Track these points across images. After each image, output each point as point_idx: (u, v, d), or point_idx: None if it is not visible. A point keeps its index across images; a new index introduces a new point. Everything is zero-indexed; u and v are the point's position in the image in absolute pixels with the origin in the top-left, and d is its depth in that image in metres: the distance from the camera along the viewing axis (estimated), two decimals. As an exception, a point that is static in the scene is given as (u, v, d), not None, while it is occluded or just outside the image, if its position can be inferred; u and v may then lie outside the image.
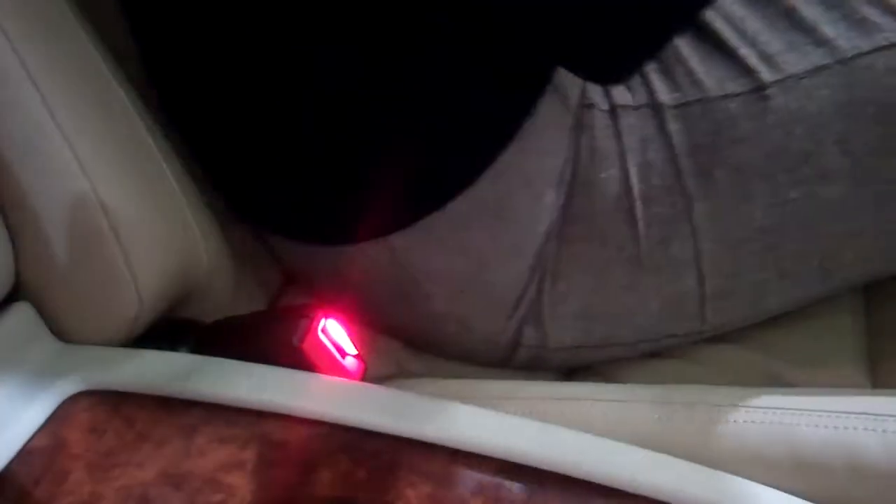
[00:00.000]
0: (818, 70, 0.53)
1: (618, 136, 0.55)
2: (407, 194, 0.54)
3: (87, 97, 0.51)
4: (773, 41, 0.55)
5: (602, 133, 0.55)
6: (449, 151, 0.53)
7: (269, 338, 0.52)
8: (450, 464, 0.45)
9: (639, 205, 0.55)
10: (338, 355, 0.52)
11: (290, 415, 0.48)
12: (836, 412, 0.51)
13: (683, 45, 0.56)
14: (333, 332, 0.53)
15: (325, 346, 0.51)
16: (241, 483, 0.45)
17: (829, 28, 0.54)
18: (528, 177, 0.55)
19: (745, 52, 0.55)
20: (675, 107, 0.55)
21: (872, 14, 0.54)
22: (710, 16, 0.57)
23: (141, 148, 0.54)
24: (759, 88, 0.54)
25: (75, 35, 0.52)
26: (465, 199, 0.54)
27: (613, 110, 0.56)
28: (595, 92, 0.56)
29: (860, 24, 0.54)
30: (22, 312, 0.52)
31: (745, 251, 0.55)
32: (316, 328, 0.51)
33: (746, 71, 0.54)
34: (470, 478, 0.45)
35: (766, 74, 0.54)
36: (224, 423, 0.48)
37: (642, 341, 0.59)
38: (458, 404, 0.47)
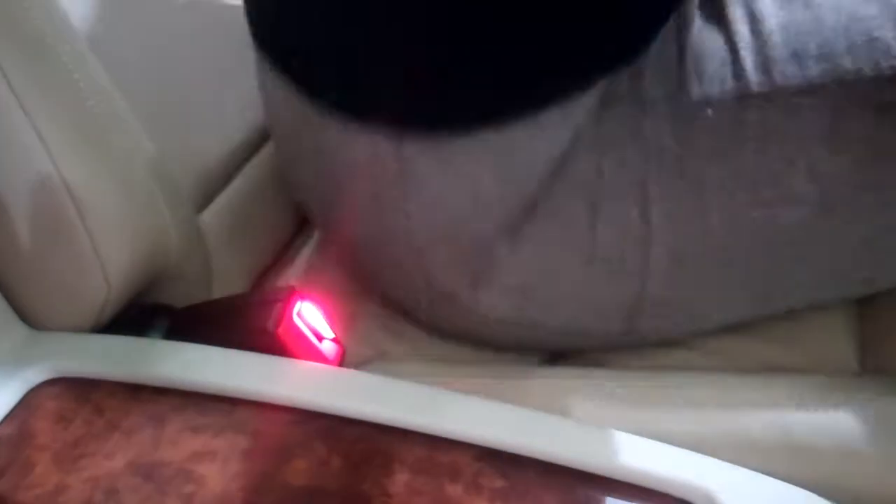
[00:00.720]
0: (811, 89, 0.50)
1: (599, 123, 0.53)
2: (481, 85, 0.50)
3: (52, 76, 0.50)
4: (781, 46, 0.52)
5: (589, 119, 0.53)
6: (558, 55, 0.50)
7: (243, 323, 0.51)
8: (428, 451, 0.44)
9: (605, 198, 0.53)
10: (314, 339, 0.51)
11: (264, 402, 0.47)
12: (826, 395, 0.50)
13: (689, 34, 0.54)
14: (309, 315, 0.51)
15: (300, 331, 0.50)
16: (213, 473, 0.44)
17: (841, 42, 0.50)
18: (546, 130, 0.52)
19: (745, 54, 0.52)
20: (656, 102, 0.52)
21: (890, 34, 0.50)
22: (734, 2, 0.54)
23: (111, 129, 0.52)
24: (743, 97, 0.51)
25: (44, 13, 0.50)
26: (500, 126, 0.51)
27: (605, 97, 0.54)
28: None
29: (870, 42, 0.50)
30: (-12, 298, 0.51)
31: (693, 264, 0.53)
32: (291, 312, 0.50)
33: (737, 76, 0.52)
34: (449, 465, 0.44)
35: (754, 84, 0.51)
36: (196, 411, 0.47)
37: (566, 334, 0.56)
38: (436, 390, 0.46)
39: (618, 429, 0.44)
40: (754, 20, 0.53)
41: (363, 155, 0.53)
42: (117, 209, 0.51)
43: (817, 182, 0.50)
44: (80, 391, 0.48)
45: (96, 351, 0.50)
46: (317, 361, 0.51)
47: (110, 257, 0.51)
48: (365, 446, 0.44)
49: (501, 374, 0.56)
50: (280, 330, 0.49)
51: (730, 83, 0.51)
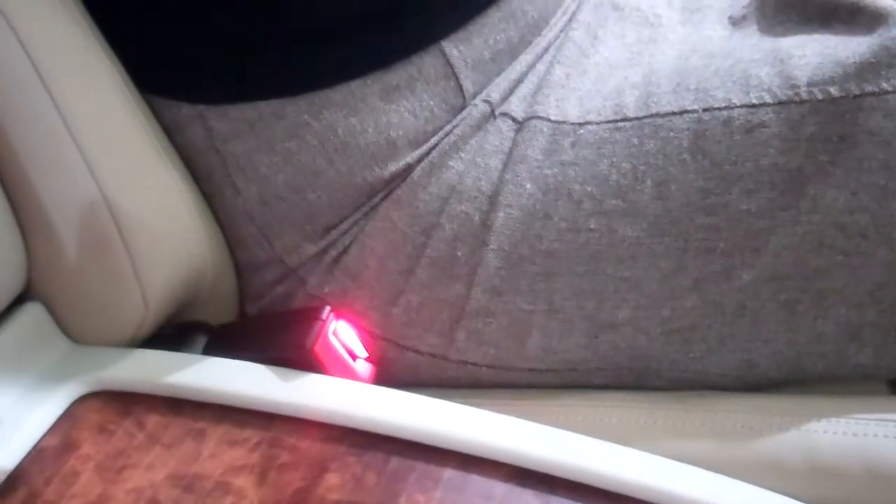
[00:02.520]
0: (682, 114, 0.52)
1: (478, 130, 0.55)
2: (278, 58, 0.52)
3: (98, 101, 0.52)
4: (665, 83, 0.54)
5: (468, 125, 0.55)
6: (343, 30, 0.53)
7: (280, 340, 0.52)
8: (461, 468, 0.45)
9: (452, 200, 0.54)
10: (348, 358, 0.52)
11: (301, 417, 0.48)
12: (853, 417, 0.50)
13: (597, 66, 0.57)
14: (344, 334, 0.52)
15: (336, 349, 0.51)
16: (251, 486, 0.45)
17: (719, 79, 0.53)
18: (390, 120, 0.54)
19: (629, 91, 0.54)
20: (524, 120, 0.55)
21: (763, 72, 0.52)
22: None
23: (150, 152, 0.54)
24: (620, 120, 0.53)
25: (88, 40, 0.52)
26: (320, 101, 0.53)
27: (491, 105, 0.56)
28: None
29: (746, 79, 0.52)
30: (33, 312, 0.53)
31: (521, 270, 0.53)
32: (327, 330, 0.51)
33: (619, 107, 0.54)
34: (481, 483, 0.45)
35: (631, 111, 0.53)
36: (234, 425, 0.48)
37: (387, 339, 0.56)
38: (469, 409, 0.47)
39: (649, 451, 0.45)
40: (651, 71, 0.56)
41: (185, 133, 0.55)
42: (157, 231, 0.53)
43: (662, 200, 0.51)
44: (122, 404, 0.50)
45: (137, 365, 0.52)
46: (350, 378, 0.52)
47: (149, 278, 0.52)
48: (399, 463, 0.45)
49: (527, 394, 0.56)
50: (317, 347, 0.50)
51: (613, 111, 0.54)
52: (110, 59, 0.53)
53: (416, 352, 0.56)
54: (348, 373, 0.51)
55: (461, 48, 0.56)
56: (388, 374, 0.56)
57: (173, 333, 0.56)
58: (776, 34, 0.56)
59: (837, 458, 0.49)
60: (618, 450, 0.46)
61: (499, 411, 0.47)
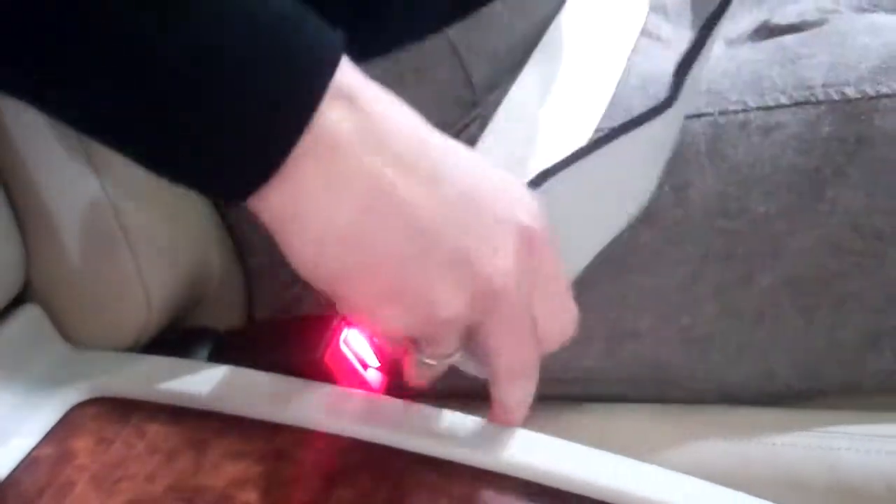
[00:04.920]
0: (699, 117, 0.51)
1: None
2: None
3: None
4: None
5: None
6: None
7: (288, 347, 0.50)
8: (473, 484, 0.43)
9: None
10: (360, 367, 0.50)
11: (309, 429, 0.46)
12: (880, 436, 0.49)
13: None
14: (355, 343, 0.50)
15: (347, 358, 0.49)
16: (255, 500, 0.43)
17: (729, 81, 0.52)
18: None
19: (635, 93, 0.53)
20: None
21: (774, 72, 0.51)
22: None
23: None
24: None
25: None
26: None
27: None
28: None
29: (757, 80, 0.51)
30: (31, 314, 0.51)
31: None
32: (338, 339, 0.49)
33: (627, 112, 0.52)
34: (494, 499, 0.43)
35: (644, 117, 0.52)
36: (239, 436, 0.46)
37: None
38: (482, 421, 0.45)
39: (665, 467, 0.43)
40: (652, 73, 0.55)
41: None
42: (163, 233, 0.51)
43: (682, 206, 0.50)
44: (121, 412, 0.48)
45: (137, 371, 0.50)
46: (361, 389, 0.50)
47: (153, 281, 0.51)
48: (410, 478, 0.44)
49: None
50: (327, 357, 0.48)
51: (619, 118, 0.51)
52: None
53: None
54: (359, 383, 0.49)
55: (470, 38, 0.54)
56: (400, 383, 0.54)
57: (177, 339, 0.54)
58: (777, 39, 0.56)
59: (861, 476, 0.48)
60: (636, 466, 0.44)
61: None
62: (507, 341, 0.40)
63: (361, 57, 0.50)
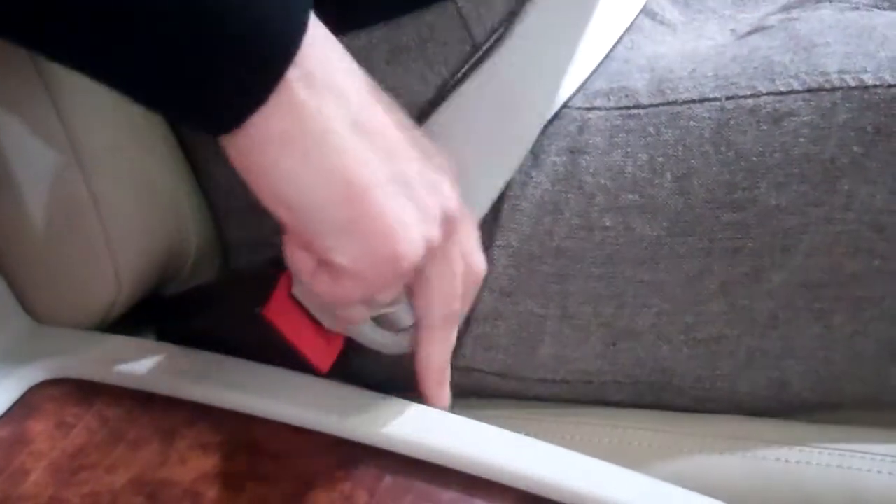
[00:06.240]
0: (702, 102, 0.49)
1: None
2: None
3: None
4: (679, 68, 0.51)
5: None
6: None
7: (230, 305, 0.47)
8: (464, 492, 0.40)
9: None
10: (311, 324, 0.44)
11: (285, 422, 0.43)
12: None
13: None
14: (306, 299, 0.44)
15: (296, 312, 0.43)
16: (225, 498, 0.40)
17: (738, 66, 0.49)
18: (396, 86, 0.48)
19: (638, 75, 0.51)
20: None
21: (787, 58, 0.49)
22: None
23: (132, 115, 0.49)
24: (632, 107, 0.49)
25: None
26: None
27: None
28: None
29: (769, 65, 0.49)
30: (-8, 286, 0.47)
31: (531, 270, 0.49)
32: (283, 291, 0.43)
33: (629, 92, 0.50)
34: (483, 507, 0.40)
35: (644, 97, 0.50)
36: (210, 427, 0.43)
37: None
38: (476, 424, 0.42)
39: (675, 481, 0.40)
40: (656, 55, 0.53)
41: None
42: (135, 202, 0.48)
43: (683, 195, 0.48)
44: (84, 395, 0.45)
45: (104, 352, 0.46)
46: (317, 349, 0.45)
47: (124, 256, 0.47)
48: (394, 481, 0.40)
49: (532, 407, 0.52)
50: (269, 311, 0.43)
51: (624, 97, 0.50)
52: None
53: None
54: (313, 340, 0.44)
55: (479, 6, 0.50)
56: (388, 378, 0.51)
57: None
58: (788, 26, 0.53)
59: (886, 501, 0.45)
60: (639, 479, 0.41)
61: (506, 426, 0.42)
62: (443, 284, 0.42)
63: (367, 21, 0.48)
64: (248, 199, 0.50)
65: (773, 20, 0.56)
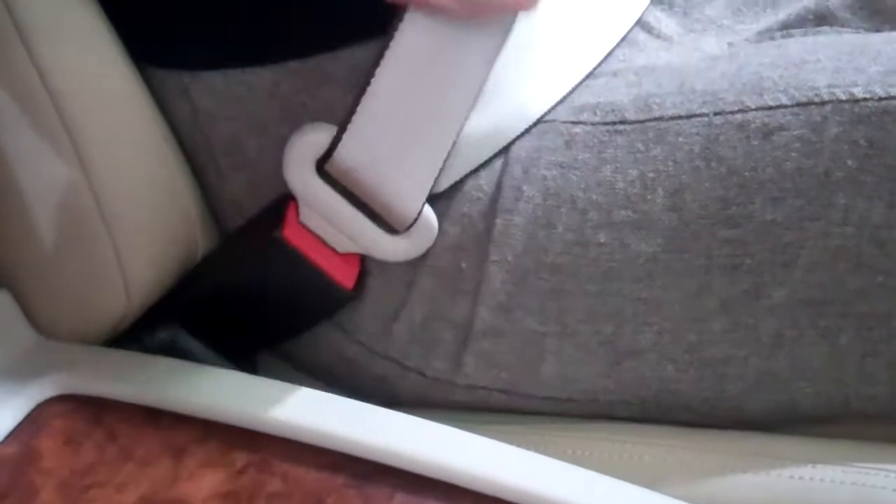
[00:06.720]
0: (689, 118, 0.48)
1: None
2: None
3: (87, 73, 0.47)
4: (667, 83, 0.50)
5: None
6: None
7: (243, 250, 0.49)
8: (475, 509, 0.40)
9: (454, 199, 0.49)
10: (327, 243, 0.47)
11: (295, 439, 0.42)
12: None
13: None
14: (314, 224, 0.48)
15: (309, 235, 0.46)
16: (235, 517, 0.39)
17: (727, 82, 0.49)
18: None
19: (625, 90, 0.51)
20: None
21: (776, 74, 0.49)
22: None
23: (140, 129, 0.49)
24: (618, 122, 0.49)
25: (81, 11, 0.47)
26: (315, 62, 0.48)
27: None
28: None
29: (757, 81, 0.49)
30: (-1, 300, 0.47)
31: (528, 285, 0.49)
32: (294, 217, 0.46)
33: (615, 107, 0.50)
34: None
35: (630, 113, 0.49)
36: (219, 443, 0.42)
37: (389, 358, 0.52)
38: (489, 441, 0.42)
39: (687, 500, 0.40)
40: (644, 69, 0.53)
41: (171, 111, 0.50)
42: (144, 215, 0.48)
43: (676, 211, 0.47)
44: (93, 411, 0.44)
45: (113, 367, 0.46)
46: (339, 267, 0.48)
47: (133, 267, 0.47)
48: (405, 500, 0.40)
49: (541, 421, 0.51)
50: (287, 232, 0.45)
51: (609, 112, 0.50)
52: (103, 26, 0.48)
53: (421, 374, 0.51)
54: (336, 260, 0.47)
55: None
56: (390, 393, 0.51)
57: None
58: (781, 44, 0.53)
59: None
60: (649, 496, 0.41)
61: (516, 441, 0.42)
62: None
63: (370, 33, 0.47)
64: (244, 217, 0.51)
65: (767, 38, 0.56)
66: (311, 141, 0.47)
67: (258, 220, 0.50)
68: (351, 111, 0.47)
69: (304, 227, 0.48)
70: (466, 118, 0.48)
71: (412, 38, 0.46)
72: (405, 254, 0.49)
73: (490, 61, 0.48)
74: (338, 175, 0.48)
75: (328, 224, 0.48)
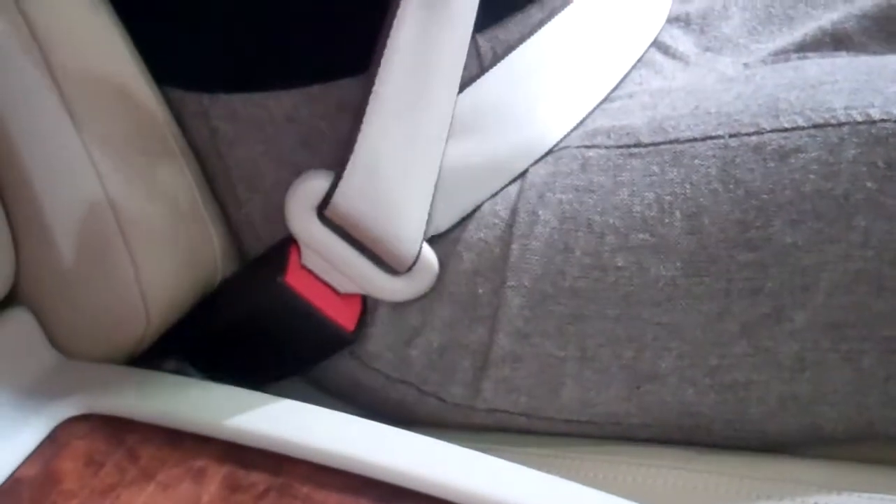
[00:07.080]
0: (705, 140, 0.48)
1: None
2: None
3: (109, 96, 0.47)
4: (682, 105, 0.50)
5: None
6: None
7: (248, 291, 0.49)
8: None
9: (470, 225, 0.50)
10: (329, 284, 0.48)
11: (317, 462, 0.42)
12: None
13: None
14: (316, 266, 0.49)
15: (310, 277, 0.47)
16: (257, 540, 0.39)
17: (742, 104, 0.49)
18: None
19: (640, 113, 0.51)
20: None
21: (792, 96, 0.48)
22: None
23: (161, 152, 0.49)
24: (633, 146, 0.49)
25: (102, 31, 0.47)
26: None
27: None
28: None
29: (773, 102, 0.48)
30: (19, 319, 0.47)
31: (546, 310, 0.48)
32: (296, 260, 0.47)
33: (630, 130, 0.50)
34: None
35: (645, 136, 0.49)
36: (240, 465, 0.42)
37: (406, 382, 0.51)
38: (513, 466, 0.41)
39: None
40: (659, 91, 0.53)
41: (190, 133, 0.50)
42: (164, 237, 0.48)
43: (695, 234, 0.47)
44: (114, 432, 0.44)
45: (133, 387, 0.46)
46: (339, 309, 0.48)
47: (153, 288, 0.47)
48: (429, 525, 0.40)
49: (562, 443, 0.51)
50: (289, 278, 0.45)
51: (623, 135, 0.50)
52: (126, 48, 0.48)
53: (440, 399, 0.51)
54: (336, 303, 0.47)
55: (496, 45, 0.50)
56: (408, 415, 0.51)
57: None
58: (797, 66, 0.53)
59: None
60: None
61: (534, 464, 0.42)
62: None
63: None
64: (273, 240, 0.51)
65: (783, 59, 0.56)
66: (310, 187, 0.48)
67: (263, 260, 0.51)
68: (345, 156, 0.47)
69: (306, 268, 0.48)
70: (443, 152, 0.48)
71: (395, 74, 0.46)
72: (405, 294, 0.49)
73: (453, 89, 0.48)
74: (338, 219, 0.48)
75: (330, 267, 0.49)
